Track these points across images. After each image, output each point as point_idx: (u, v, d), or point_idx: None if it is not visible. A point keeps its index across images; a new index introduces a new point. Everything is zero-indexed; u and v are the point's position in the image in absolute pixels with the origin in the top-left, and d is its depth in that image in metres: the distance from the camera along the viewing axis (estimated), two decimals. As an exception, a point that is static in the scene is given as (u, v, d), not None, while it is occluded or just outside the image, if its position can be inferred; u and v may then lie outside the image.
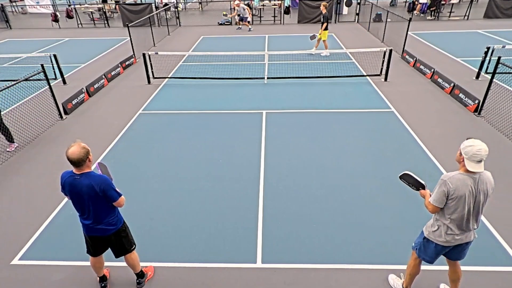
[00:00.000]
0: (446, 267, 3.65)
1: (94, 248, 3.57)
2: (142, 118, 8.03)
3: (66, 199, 5.28)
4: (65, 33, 18.13)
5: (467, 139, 2.92)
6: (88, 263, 4.01)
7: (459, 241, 3.12)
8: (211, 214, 4.95)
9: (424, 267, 3.96)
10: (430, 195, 3.11)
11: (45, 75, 7.54)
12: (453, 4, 19.54)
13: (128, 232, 3.64)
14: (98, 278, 3.85)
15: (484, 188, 2.91)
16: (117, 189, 3.35)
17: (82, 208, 3.32)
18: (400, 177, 3.48)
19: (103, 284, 3.84)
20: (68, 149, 3.14)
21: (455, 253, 3.30)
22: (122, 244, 3.58)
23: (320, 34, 12.03)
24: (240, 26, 17.45)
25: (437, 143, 6.60)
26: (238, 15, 17.05)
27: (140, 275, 3.90)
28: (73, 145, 3.17)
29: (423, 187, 3.33)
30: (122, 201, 3.39)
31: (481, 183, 2.89)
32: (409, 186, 3.45)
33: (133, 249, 3.72)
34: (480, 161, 2.79)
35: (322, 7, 11.92)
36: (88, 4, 23.83)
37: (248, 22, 17.09)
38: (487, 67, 9.76)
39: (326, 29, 11.90)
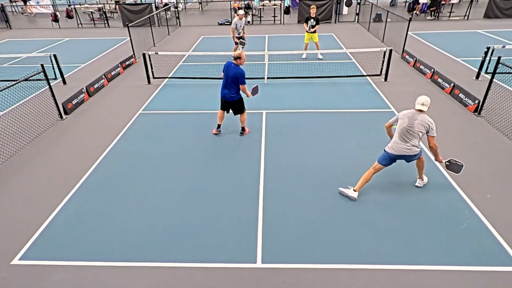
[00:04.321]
0: (445, 267, 3.66)
1: (224, 107, 6.77)
2: (142, 118, 8.03)
3: (66, 198, 5.32)
4: (65, 33, 18.14)
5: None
6: (87, 263, 4.18)
7: (398, 151, 4.82)
8: (211, 214, 4.95)
9: (419, 267, 3.98)
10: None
11: (45, 75, 7.53)
12: (453, 4, 19.55)
13: (243, 103, 6.70)
14: (217, 124, 7.01)
15: (418, 120, 4.70)
16: (246, 81, 6.36)
17: (226, 81, 6.37)
18: (448, 168, 5.23)
19: (219, 129, 7.02)
20: (236, 51, 6.86)
21: (406, 160, 5.00)
22: (239, 107, 6.69)
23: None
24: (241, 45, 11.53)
25: (437, 142, 6.55)
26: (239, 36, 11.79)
27: (243, 128, 7.00)
28: (238, 49, 7.04)
29: (462, 166, 5.05)
30: (244, 88, 6.40)
31: (418, 116, 4.71)
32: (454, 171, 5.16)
33: (244, 111, 6.77)
34: (421, 105, 4.70)
35: (314, 10, 11.42)
36: (88, 4, 23.83)
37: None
38: (487, 67, 9.76)
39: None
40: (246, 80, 6.38)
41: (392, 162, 5.03)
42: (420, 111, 4.71)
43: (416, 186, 5.38)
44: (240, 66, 6.32)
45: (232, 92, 6.39)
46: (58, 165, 6.23)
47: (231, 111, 6.83)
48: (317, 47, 11.87)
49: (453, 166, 5.07)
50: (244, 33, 11.81)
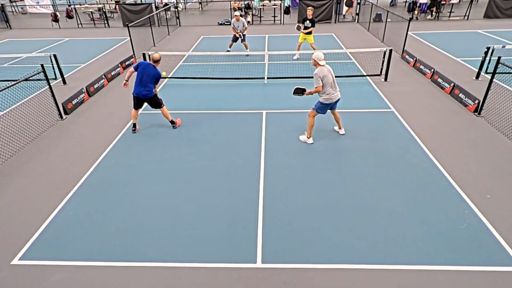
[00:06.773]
0: (444, 267, 3.66)
1: (137, 104, 7.12)
2: (142, 118, 8.02)
3: (66, 198, 5.32)
4: (65, 33, 18.14)
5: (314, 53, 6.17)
6: (87, 263, 4.18)
7: (335, 98, 6.30)
8: (211, 214, 4.95)
9: (419, 267, 3.98)
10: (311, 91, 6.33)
11: (45, 75, 7.53)
12: (453, 4, 19.55)
13: (158, 98, 7.19)
14: (132, 124, 7.37)
15: (330, 70, 6.20)
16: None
17: (141, 79, 6.77)
18: (293, 93, 6.47)
19: (133, 128, 7.33)
20: (154, 54, 6.82)
21: (333, 105, 6.52)
22: (156, 102, 7.16)
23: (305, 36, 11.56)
24: (248, 53, 12.46)
25: (437, 143, 6.60)
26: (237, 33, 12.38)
27: (172, 121, 7.39)
28: (156, 53, 6.87)
29: (305, 90, 6.39)
30: (156, 87, 7.09)
31: (328, 68, 6.18)
32: (300, 95, 6.47)
33: (163, 106, 7.26)
34: (324, 60, 6.13)
35: (310, 12, 11.37)
36: (88, 4, 23.84)
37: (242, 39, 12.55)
38: (487, 67, 9.75)
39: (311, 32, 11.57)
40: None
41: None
42: (324, 65, 6.19)
43: (336, 131, 7.01)
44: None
45: (147, 89, 6.89)
46: (58, 165, 6.23)
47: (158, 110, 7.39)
48: (313, 49, 11.74)
49: (297, 90, 6.43)
50: (242, 31, 12.30)
